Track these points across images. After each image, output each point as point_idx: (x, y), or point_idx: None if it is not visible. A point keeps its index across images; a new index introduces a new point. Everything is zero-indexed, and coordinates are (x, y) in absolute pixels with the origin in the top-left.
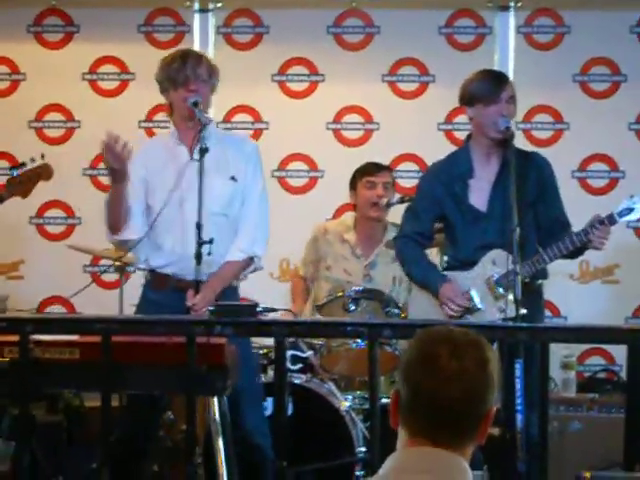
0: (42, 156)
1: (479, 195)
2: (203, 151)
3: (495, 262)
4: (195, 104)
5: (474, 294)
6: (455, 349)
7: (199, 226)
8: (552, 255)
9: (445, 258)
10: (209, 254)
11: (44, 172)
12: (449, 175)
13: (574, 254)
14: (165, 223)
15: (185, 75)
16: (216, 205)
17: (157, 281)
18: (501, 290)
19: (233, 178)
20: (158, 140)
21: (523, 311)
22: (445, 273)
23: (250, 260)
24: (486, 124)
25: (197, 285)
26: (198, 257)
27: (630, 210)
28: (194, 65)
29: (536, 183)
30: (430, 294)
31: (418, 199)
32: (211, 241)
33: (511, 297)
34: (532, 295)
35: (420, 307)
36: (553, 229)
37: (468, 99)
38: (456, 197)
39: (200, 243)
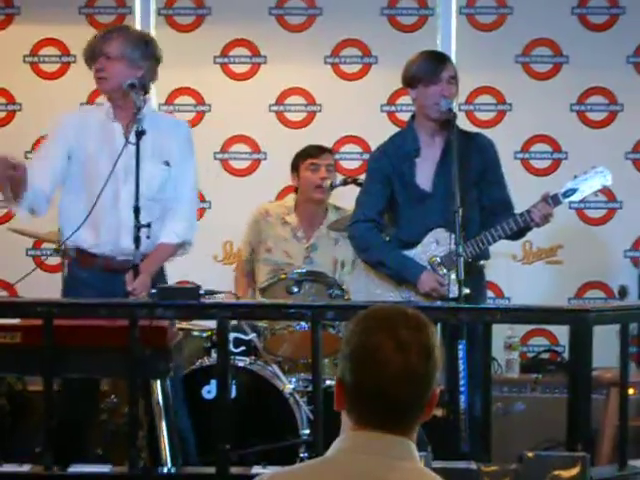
0: None
1: (424, 175)
2: (140, 134)
3: (438, 242)
4: (132, 86)
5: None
6: (399, 341)
7: (137, 210)
8: (496, 236)
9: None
10: (148, 237)
11: None
12: (396, 155)
13: (518, 235)
14: (100, 204)
15: (92, 51)
16: (148, 190)
17: (84, 260)
18: (444, 270)
19: (167, 163)
20: (92, 113)
21: (466, 291)
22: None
23: (182, 245)
24: (428, 105)
25: (135, 269)
26: (137, 241)
27: (574, 191)
28: (100, 42)
29: (479, 164)
30: (373, 274)
31: (370, 181)
32: (149, 225)
33: (454, 277)
34: (474, 276)
35: (361, 286)
36: (496, 210)
37: (409, 80)
38: (403, 176)
39: (138, 227)
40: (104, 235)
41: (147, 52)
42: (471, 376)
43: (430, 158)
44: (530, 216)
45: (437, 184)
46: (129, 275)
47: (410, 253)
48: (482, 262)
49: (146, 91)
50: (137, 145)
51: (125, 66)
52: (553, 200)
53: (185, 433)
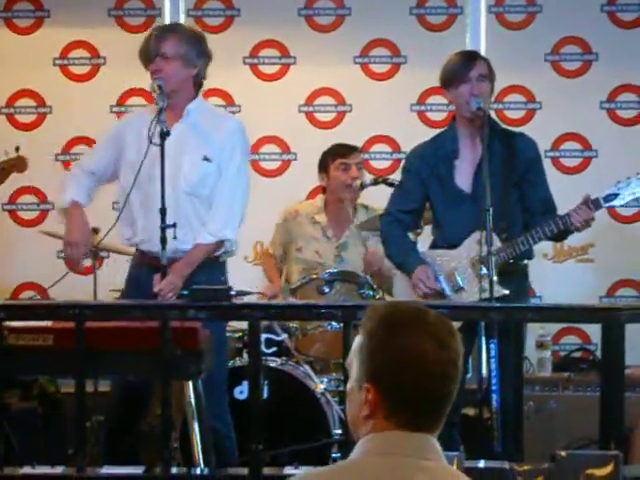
0: (17, 149)
1: (464, 176)
2: (164, 135)
3: (480, 242)
4: (159, 87)
5: (457, 274)
6: (439, 340)
7: (163, 211)
8: (536, 237)
9: (419, 231)
10: (174, 238)
11: (18, 165)
12: (434, 156)
13: (558, 237)
14: (137, 201)
15: (147, 54)
16: (187, 184)
17: (137, 257)
18: (484, 270)
19: (206, 158)
20: (145, 112)
21: (505, 292)
22: (428, 251)
23: (220, 243)
24: (460, 104)
25: (164, 269)
26: (163, 242)
27: (615, 196)
28: (156, 42)
29: (521, 164)
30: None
31: (406, 179)
32: (174, 225)
33: (495, 277)
34: (517, 275)
35: (401, 288)
36: (539, 210)
37: (444, 81)
38: (441, 178)
39: (163, 228)
40: (144, 232)
41: (201, 50)
42: (504, 375)
43: (469, 159)
44: (570, 220)
45: (476, 185)
46: (157, 276)
47: (452, 253)
48: (525, 262)
49: (200, 87)
50: (162, 146)
51: (182, 65)
52: (594, 204)
53: (226, 432)
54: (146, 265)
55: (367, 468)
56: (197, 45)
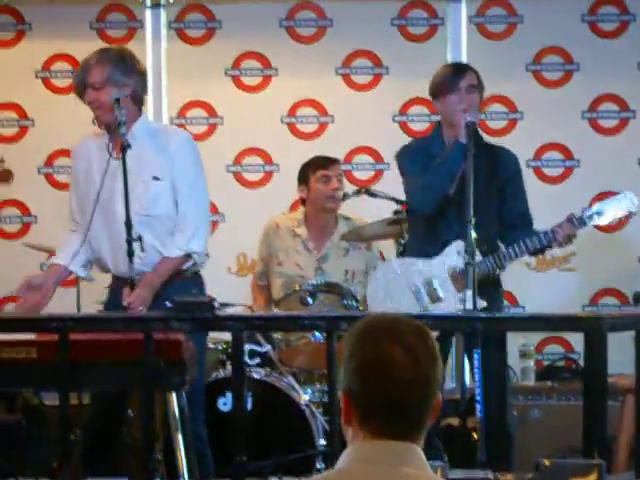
0: (1, 160)
1: None
2: (124, 148)
3: (460, 253)
4: (117, 100)
5: (435, 283)
6: (409, 348)
7: (129, 224)
8: (519, 252)
9: (402, 242)
10: (142, 251)
11: (2, 176)
12: (424, 154)
13: (538, 252)
14: (97, 232)
15: (79, 88)
16: (139, 206)
17: (114, 283)
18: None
19: (156, 177)
20: (91, 139)
21: (483, 303)
22: (407, 259)
23: (188, 256)
24: (447, 113)
25: (132, 282)
26: (130, 255)
27: (600, 214)
28: (82, 74)
29: (503, 177)
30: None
31: (410, 161)
32: (140, 238)
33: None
34: (491, 286)
35: (378, 302)
36: (515, 223)
37: (433, 91)
38: None
39: (129, 241)
40: (120, 257)
41: (128, 67)
42: (488, 385)
43: None
44: (554, 236)
45: (462, 191)
46: (126, 289)
47: (431, 262)
48: (497, 272)
49: (141, 104)
50: (123, 159)
51: (112, 89)
52: (578, 222)
53: (202, 445)
54: (120, 289)
55: (353, 477)
56: (122, 64)
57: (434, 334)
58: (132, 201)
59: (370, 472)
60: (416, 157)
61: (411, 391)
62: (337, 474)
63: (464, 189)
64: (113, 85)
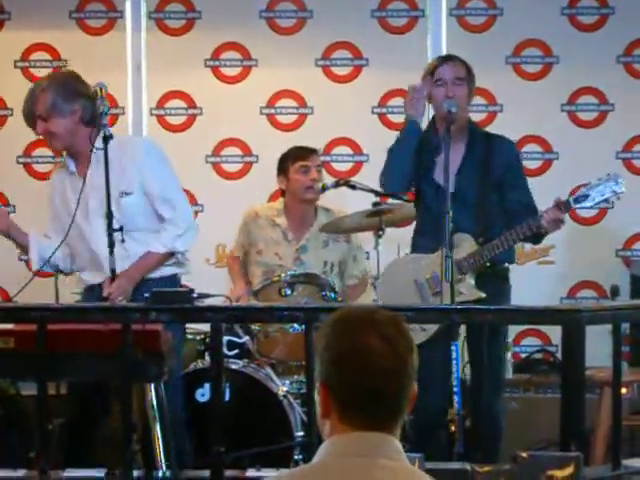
0: None
1: (443, 172)
2: (106, 138)
3: (458, 245)
4: (101, 89)
5: (436, 277)
6: (386, 336)
7: (110, 215)
8: (510, 240)
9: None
10: (123, 241)
11: None
12: (421, 143)
13: (532, 239)
14: (77, 247)
15: (29, 119)
16: (117, 223)
17: (85, 292)
18: (462, 274)
19: (124, 193)
20: (61, 170)
21: (481, 294)
22: (410, 255)
23: (171, 255)
24: (434, 106)
25: (113, 273)
26: (111, 246)
27: (585, 197)
28: (29, 106)
29: (501, 167)
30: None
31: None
32: (121, 228)
33: (472, 281)
34: (496, 278)
35: (390, 288)
36: (519, 213)
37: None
38: (422, 166)
39: (110, 233)
40: (87, 265)
41: (70, 92)
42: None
43: (450, 158)
44: (540, 221)
45: (458, 185)
46: (107, 279)
47: (432, 257)
48: (506, 265)
49: (95, 125)
50: (105, 150)
51: (59, 118)
52: (564, 206)
53: (181, 435)
54: (97, 295)
55: (330, 470)
56: (63, 90)
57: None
58: (106, 220)
59: (346, 464)
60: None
61: (389, 380)
62: (312, 468)
63: (461, 183)
64: (58, 114)
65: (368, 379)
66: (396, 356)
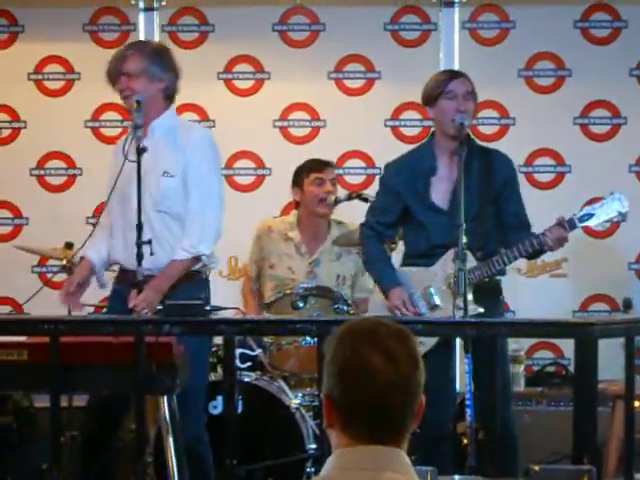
0: None
1: (440, 193)
2: (140, 151)
3: (454, 260)
4: (138, 103)
5: (432, 291)
6: (388, 352)
7: (139, 226)
8: (511, 257)
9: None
10: (151, 254)
11: None
12: (412, 171)
13: (533, 255)
14: (115, 220)
15: (112, 74)
16: (153, 201)
17: (119, 274)
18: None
19: (166, 173)
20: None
21: (480, 310)
22: (404, 269)
23: (196, 259)
24: (444, 121)
25: (140, 285)
26: (139, 257)
27: (590, 216)
28: (118, 61)
29: (498, 181)
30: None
31: (382, 193)
32: (149, 241)
33: (470, 296)
34: (490, 292)
35: (376, 303)
36: (513, 227)
37: (427, 99)
38: (418, 194)
39: (139, 244)
40: (129, 250)
41: (165, 63)
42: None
43: (446, 176)
44: (544, 239)
45: (453, 202)
46: (133, 292)
47: (427, 272)
48: (498, 278)
49: (171, 101)
50: (138, 162)
51: (147, 81)
52: (569, 224)
53: (203, 453)
54: (128, 282)
55: None
56: (159, 59)
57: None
58: (145, 195)
59: (354, 478)
60: (388, 181)
61: (392, 395)
62: None
63: (456, 200)
64: (148, 77)
65: (370, 394)
66: (398, 372)
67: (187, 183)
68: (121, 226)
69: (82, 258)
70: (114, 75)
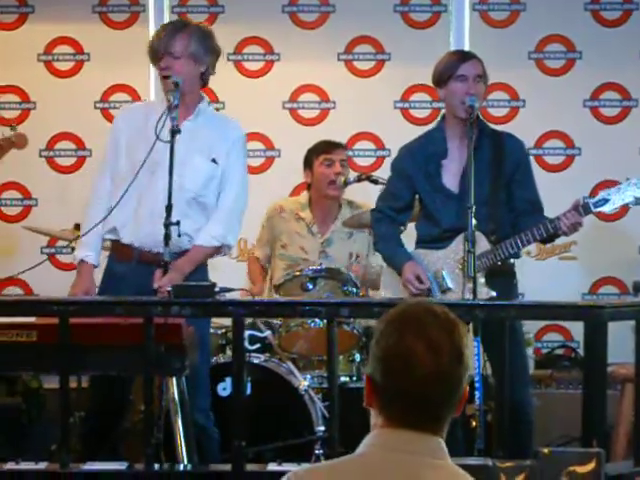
0: (12, 128)
1: (451, 176)
2: (174, 132)
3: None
4: (176, 84)
5: (445, 274)
6: (431, 343)
7: (169, 207)
8: (525, 240)
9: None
10: (179, 236)
11: (18, 141)
12: (423, 155)
13: (548, 240)
14: (137, 195)
15: (156, 50)
16: (192, 183)
17: (121, 253)
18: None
19: (214, 160)
20: (145, 106)
21: (493, 293)
22: (417, 251)
23: (220, 248)
24: (454, 104)
25: (165, 266)
26: (166, 238)
27: (606, 201)
28: (165, 40)
29: (510, 165)
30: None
31: (392, 180)
32: (178, 223)
33: (482, 280)
34: (503, 275)
35: (389, 281)
36: (526, 211)
37: (437, 80)
38: (429, 176)
39: (167, 225)
40: (145, 227)
41: (210, 46)
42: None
43: (457, 159)
44: (559, 224)
45: (464, 185)
46: (158, 272)
47: (439, 254)
48: (512, 261)
49: (205, 85)
50: (171, 144)
51: (191, 63)
52: (584, 209)
53: (209, 429)
54: (135, 261)
55: (369, 462)
56: (205, 42)
57: None
58: (184, 177)
59: (390, 459)
60: (399, 164)
61: (431, 387)
62: (354, 458)
63: (467, 183)
64: (193, 60)
65: (409, 384)
66: (439, 364)
67: (225, 176)
68: (140, 201)
69: (82, 262)
70: (158, 52)
